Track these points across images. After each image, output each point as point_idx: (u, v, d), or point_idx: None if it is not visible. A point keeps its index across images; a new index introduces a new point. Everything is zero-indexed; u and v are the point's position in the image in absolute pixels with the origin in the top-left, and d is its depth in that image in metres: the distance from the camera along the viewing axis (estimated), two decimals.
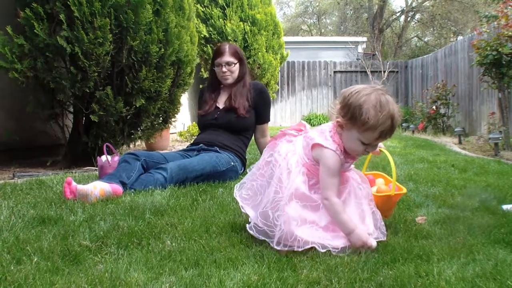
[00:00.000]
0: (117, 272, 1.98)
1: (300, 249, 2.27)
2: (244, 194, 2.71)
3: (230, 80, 4.78)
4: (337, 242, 2.33)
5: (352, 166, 2.65)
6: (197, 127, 5.14)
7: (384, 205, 2.67)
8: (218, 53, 4.81)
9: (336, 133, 2.44)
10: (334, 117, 2.43)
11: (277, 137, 2.71)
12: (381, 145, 2.68)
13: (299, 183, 2.43)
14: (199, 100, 5.10)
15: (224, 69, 4.74)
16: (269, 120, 5.01)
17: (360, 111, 2.27)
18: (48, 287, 1.84)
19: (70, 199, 3.38)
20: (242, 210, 2.67)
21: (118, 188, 3.63)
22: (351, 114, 2.32)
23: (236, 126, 4.71)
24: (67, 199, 3.38)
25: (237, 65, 4.81)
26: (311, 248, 2.28)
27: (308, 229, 2.35)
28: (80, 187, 3.41)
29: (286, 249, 2.29)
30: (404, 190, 2.73)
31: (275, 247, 2.31)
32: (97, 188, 3.46)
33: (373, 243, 2.29)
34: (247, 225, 2.51)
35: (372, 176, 2.97)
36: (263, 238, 2.43)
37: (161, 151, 5.00)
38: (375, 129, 2.29)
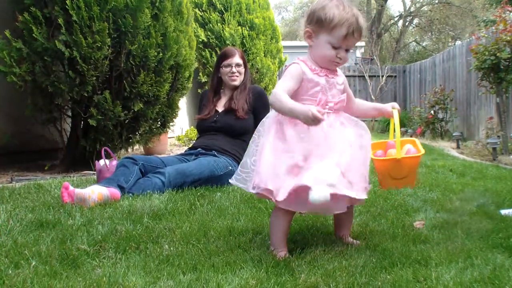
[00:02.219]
0: (115, 276, 1.98)
1: (259, 191, 2.32)
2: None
3: (237, 81, 4.79)
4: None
5: (357, 121, 2.54)
6: (195, 131, 5.14)
7: (395, 170, 2.52)
8: (229, 54, 4.83)
9: (305, 56, 2.48)
10: (301, 31, 2.47)
11: None
12: (395, 105, 2.64)
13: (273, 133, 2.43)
14: (200, 104, 5.10)
15: (234, 69, 4.77)
16: None
17: (324, 11, 2.33)
18: None
19: (68, 203, 3.37)
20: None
21: (116, 192, 3.63)
22: (316, 18, 2.36)
23: (235, 128, 4.71)
24: (64, 203, 3.37)
25: (244, 69, 4.85)
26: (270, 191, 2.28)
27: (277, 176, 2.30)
28: (78, 191, 3.41)
29: (259, 192, 2.33)
30: (422, 152, 2.55)
31: (251, 190, 2.39)
32: (95, 192, 3.46)
33: (317, 114, 2.19)
34: (230, 179, 2.58)
35: (393, 142, 2.74)
36: (241, 186, 2.49)
37: (159, 156, 5.00)
38: (342, 25, 2.31)
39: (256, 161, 2.42)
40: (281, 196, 2.25)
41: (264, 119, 2.60)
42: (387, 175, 2.57)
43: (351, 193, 2.28)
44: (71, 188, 3.43)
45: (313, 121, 2.21)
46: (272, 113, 2.53)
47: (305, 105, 2.30)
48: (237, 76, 4.79)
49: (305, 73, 2.41)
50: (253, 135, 2.58)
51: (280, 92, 2.34)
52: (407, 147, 2.64)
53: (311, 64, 2.44)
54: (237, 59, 4.80)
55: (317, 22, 2.36)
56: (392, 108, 2.64)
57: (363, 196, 2.37)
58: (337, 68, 2.53)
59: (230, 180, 2.57)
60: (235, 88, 4.83)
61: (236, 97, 4.77)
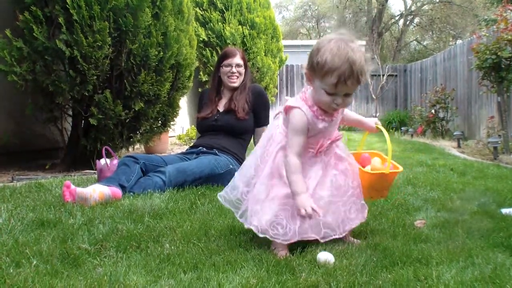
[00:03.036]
0: (116, 275, 1.98)
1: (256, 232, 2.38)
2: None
3: (237, 83, 4.78)
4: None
5: (344, 152, 2.63)
6: (196, 130, 5.16)
7: (379, 183, 2.67)
8: (230, 54, 4.81)
9: (305, 93, 2.44)
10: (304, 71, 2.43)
11: (274, 117, 2.73)
12: (377, 121, 2.70)
13: (273, 167, 2.46)
14: (200, 102, 5.09)
15: (234, 69, 4.75)
16: (268, 123, 4.99)
17: (316, 56, 2.25)
18: None
19: (69, 202, 3.38)
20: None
21: (118, 191, 3.63)
22: (310, 62, 2.31)
23: (235, 128, 4.71)
24: (66, 202, 3.38)
25: (244, 69, 4.84)
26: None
27: (266, 215, 2.38)
28: (80, 190, 3.41)
29: (247, 225, 2.41)
30: (400, 169, 2.71)
31: (238, 218, 2.49)
32: (96, 191, 3.46)
33: (311, 213, 2.26)
34: (218, 194, 2.65)
35: (368, 154, 2.94)
36: (228, 207, 2.60)
37: (160, 155, 5.00)
38: (332, 73, 2.21)
39: (249, 198, 2.49)
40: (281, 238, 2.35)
41: (264, 138, 2.63)
42: (370, 187, 2.65)
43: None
44: (72, 186, 3.44)
45: (305, 215, 2.26)
46: (274, 139, 2.54)
47: (304, 193, 2.32)
48: (237, 77, 4.78)
49: (309, 120, 2.40)
50: (251, 158, 2.62)
51: (293, 161, 2.37)
52: (377, 160, 2.82)
53: (316, 108, 2.40)
54: (237, 59, 4.79)
55: (311, 67, 2.32)
56: (376, 124, 2.70)
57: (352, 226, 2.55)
58: None
59: (218, 197, 2.64)
60: (234, 89, 4.82)
61: (236, 97, 4.76)
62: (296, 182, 2.32)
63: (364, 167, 2.80)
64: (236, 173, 2.67)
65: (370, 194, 2.73)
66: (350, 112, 2.80)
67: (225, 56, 4.82)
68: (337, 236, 2.44)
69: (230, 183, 2.62)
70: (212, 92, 4.91)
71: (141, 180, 3.97)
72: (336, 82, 2.23)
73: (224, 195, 2.60)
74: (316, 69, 2.27)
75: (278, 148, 2.48)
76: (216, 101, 4.85)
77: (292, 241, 2.34)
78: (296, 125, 2.39)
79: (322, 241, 2.38)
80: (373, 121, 2.78)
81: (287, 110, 2.45)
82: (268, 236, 2.34)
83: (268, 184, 2.42)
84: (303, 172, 2.41)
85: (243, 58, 4.85)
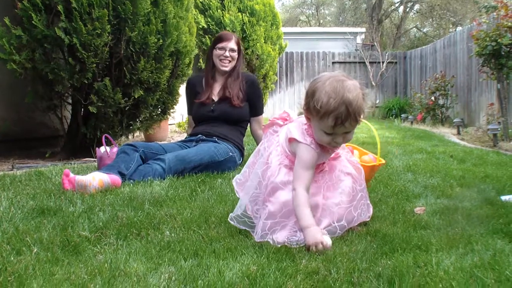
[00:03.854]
0: (116, 263, 1.98)
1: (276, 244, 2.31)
2: (238, 178, 2.76)
3: (228, 67, 4.78)
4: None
5: (346, 154, 2.65)
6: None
7: (367, 175, 2.84)
8: (224, 38, 4.82)
9: (310, 126, 2.42)
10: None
11: (266, 127, 2.72)
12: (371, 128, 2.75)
13: (277, 180, 2.45)
14: (191, 89, 5.08)
15: (227, 53, 4.76)
16: (262, 113, 5.02)
17: (312, 99, 2.23)
18: (48, 278, 1.84)
19: (69, 190, 3.38)
20: (237, 194, 2.73)
21: (117, 179, 3.64)
22: (307, 104, 2.30)
23: (232, 116, 4.72)
24: (65, 190, 3.38)
25: (237, 55, 4.83)
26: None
27: (280, 232, 2.36)
28: (79, 177, 3.42)
29: (265, 240, 2.35)
30: (383, 161, 3.14)
31: (254, 236, 2.40)
32: (96, 179, 3.47)
33: (327, 243, 2.21)
34: (229, 218, 2.57)
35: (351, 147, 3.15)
36: (243, 228, 2.51)
37: (159, 142, 5.00)
38: (328, 116, 2.20)
39: (261, 216, 2.45)
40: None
41: (262, 161, 2.60)
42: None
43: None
44: (71, 175, 3.44)
45: (314, 249, 2.21)
46: (274, 156, 2.55)
47: (312, 227, 2.29)
48: (229, 62, 4.78)
49: (319, 154, 2.42)
50: (254, 176, 2.59)
51: (301, 194, 2.35)
52: (356, 153, 3.31)
53: (316, 147, 2.41)
54: (232, 44, 4.80)
55: (308, 109, 2.30)
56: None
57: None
58: None
59: (229, 220, 2.57)
60: (226, 74, 4.81)
61: (230, 85, 4.77)
62: (304, 215, 2.31)
63: None
64: (241, 194, 2.65)
65: None
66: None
67: (220, 39, 4.82)
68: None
69: (238, 204, 2.59)
70: (208, 75, 4.90)
71: (141, 168, 3.98)
72: (333, 124, 2.22)
73: (236, 217, 2.56)
74: (313, 111, 2.26)
75: (278, 166, 2.49)
76: (212, 83, 4.84)
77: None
78: (306, 161, 2.38)
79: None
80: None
81: (293, 141, 2.45)
82: (287, 244, 2.31)
83: (276, 201, 2.41)
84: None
85: (237, 43, 4.86)
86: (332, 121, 2.21)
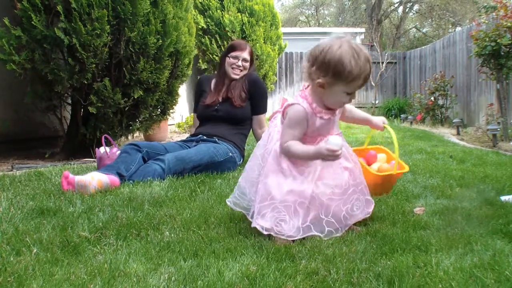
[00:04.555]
0: (116, 263, 1.98)
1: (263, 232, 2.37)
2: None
3: (239, 75, 4.85)
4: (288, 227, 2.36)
5: (347, 148, 2.64)
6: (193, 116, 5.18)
7: (385, 182, 2.83)
8: (238, 47, 4.88)
9: (304, 91, 2.48)
10: (311, 79, 2.42)
11: (270, 118, 2.74)
12: (385, 120, 2.73)
13: (273, 164, 2.47)
14: (198, 88, 5.11)
15: (239, 63, 4.80)
16: (265, 111, 5.01)
17: (343, 66, 2.29)
18: (48, 278, 1.84)
19: (68, 190, 3.38)
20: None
21: (115, 179, 3.64)
22: (333, 71, 2.32)
23: (234, 116, 4.74)
24: (65, 191, 3.38)
25: (249, 65, 4.92)
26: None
27: (272, 212, 2.39)
28: (78, 178, 3.42)
29: (253, 225, 2.40)
30: (406, 169, 2.86)
31: (250, 219, 2.47)
32: (95, 178, 3.47)
33: (331, 153, 2.32)
34: (227, 200, 2.66)
35: (374, 151, 3.01)
36: (239, 210, 2.61)
37: (160, 142, 5.01)
38: (360, 77, 2.33)
39: (256, 198, 2.49)
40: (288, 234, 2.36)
41: (264, 137, 2.66)
42: (376, 186, 2.82)
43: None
44: (70, 176, 3.44)
45: (332, 156, 2.30)
46: (273, 137, 2.57)
47: (315, 146, 2.38)
48: (240, 71, 4.83)
49: (309, 116, 2.43)
50: (253, 159, 2.64)
51: (288, 144, 2.41)
52: (382, 157, 3.08)
53: (316, 105, 2.44)
54: (245, 54, 4.86)
55: (335, 75, 2.33)
56: (384, 124, 2.73)
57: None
58: None
59: (227, 202, 2.65)
60: (233, 80, 4.85)
61: (232, 86, 4.80)
62: (302, 150, 2.39)
63: (370, 164, 2.85)
64: (240, 178, 2.69)
65: (375, 191, 2.84)
66: (357, 111, 2.84)
67: (233, 48, 4.88)
68: (339, 234, 2.45)
69: (236, 187, 2.64)
70: (219, 80, 4.93)
71: (140, 168, 3.98)
72: (362, 83, 2.36)
73: (234, 200, 2.62)
74: (343, 76, 2.31)
75: (277, 146, 2.49)
76: (221, 88, 4.88)
77: (296, 238, 2.34)
78: (293, 118, 2.43)
79: (324, 238, 2.38)
80: (381, 121, 2.83)
81: (286, 108, 2.48)
82: (272, 233, 2.35)
83: (270, 182, 2.42)
84: (304, 166, 2.44)
85: (250, 54, 4.93)
86: (363, 80, 2.36)
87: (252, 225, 2.42)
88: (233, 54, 4.82)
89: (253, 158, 2.63)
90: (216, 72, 5.12)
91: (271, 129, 2.60)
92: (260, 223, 2.37)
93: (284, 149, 2.41)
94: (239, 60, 4.80)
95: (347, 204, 2.50)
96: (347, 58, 2.28)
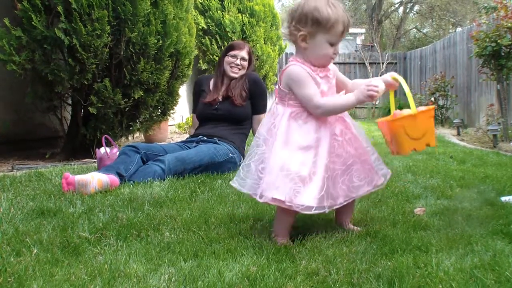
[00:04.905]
0: (116, 264, 1.98)
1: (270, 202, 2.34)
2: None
3: (238, 74, 4.85)
4: (303, 200, 2.28)
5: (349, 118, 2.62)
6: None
7: (411, 129, 2.40)
8: (237, 47, 4.90)
9: (291, 59, 2.50)
10: (293, 35, 2.45)
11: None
12: (392, 73, 2.55)
13: (282, 136, 2.42)
14: (196, 89, 5.11)
15: (238, 61, 4.81)
16: (265, 111, 5.01)
17: (319, 13, 2.34)
18: (48, 279, 1.84)
19: (69, 190, 3.38)
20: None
21: (115, 179, 3.64)
22: (311, 20, 2.36)
23: (235, 115, 4.75)
24: (65, 192, 3.38)
25: (248, 64, 4.92)
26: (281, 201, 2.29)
27: (286, 183, 2.31)
28: (79, 177, 3.42)
29: (267, 201, 2.33)
30: (431, 107, 2.48)
31: (259, 199, 2.35)
32: (95, 178, 3.48)
33: (373, 91, 2.36)
34: (231, 182, 2.55)
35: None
36: (246, 191, 2.47)
37: (160, 143, 5.01)
38: (338, 23, 2.36)
39: (265, 169, 2.39)
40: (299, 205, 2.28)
41: (266, 121, 2.59)
42: (404, 137, 2.40)
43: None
44: (70, 177, 3.44)
45: (373, 91, 2.34)
46: (276, 112, 2.51)
47: (353, 93, 2.40)
48: (239, 70, 4.84)
49: (309, 73, 2.43)
50: (256, 138, 2.56)
51: (322, 103, 2.39)
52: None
53: (309, 65, 2.44)
54: (244, 53, 4.87)
55: (314, 24, 2.37)
56: (392, 77, 2.56)
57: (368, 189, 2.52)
58: None
59: (231, 183, 2.53)
60: (232, 79, 4.85)
61: (233, 85, 4.81)
62: (341, 101, 2.41)
63: None
64: (245, 157, 2.58)
65: (409, 146, 2.42)
66: (360, 81, 2.71)
67: (232, 47, 4.91)
68: (338, 206, 2.42)
69: (240, 169, 2.54)
70: (217, 79, 4.93)
71: (141, 169, 3.98)
72: (342, 30, 2.39)
73: (239, 180, 2.51)
74: (322, 23, 2.35)
75: (283, 117, 2.44)
76: (220, 87, 4.88)
77: (312, 210, 2.27)
78: (298, 77, 2.43)
79: (327, 211, 2.35)
80: (389, 76, 2.54)
81: (282, 75, 2.49)
82: (293, 206, 2.27)
83: (282, 154, 2.36)
84: (311, 136, 2.40)
85: (249, 53, 4.94)
86: (341, 26, 2.38)
87: (263, 200, 2.33)
88: (232, 53, 4.84)
89: (257, 136, 2.55)
90: (214, 72, 5.13)
91: (272, 106, 2.58)
92: (275, 195, 2.28)
93: (321, 108, 2.38)
94: (237, 58, 4.81)
95: (344, 176, 2.45)
96: (323, 6, 2.34)
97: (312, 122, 2.41)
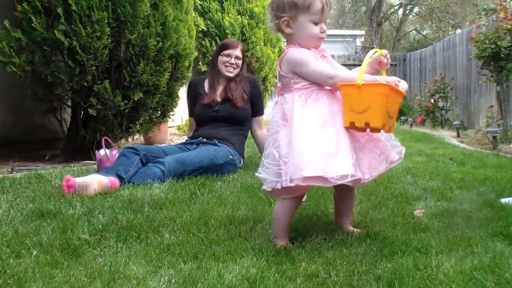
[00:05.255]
0: (116, 265, 1.98)
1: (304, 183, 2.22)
2: None
3: (233, 73, 4.83)
4: (337, 169, 2.20)
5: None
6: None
7: (354, 100, 2.26)
8: (231, 45, 4.90)
9: (289, 45, 2.51)
10: (277, 24, 2.48)
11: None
12: (384, 51, 2.52)
13: (299, 117, 2.36)
14: (192, 91, 5.08)
15: (232, 60, 4.82)
16: (263, 113, 5.06)
17: (291, 1, 2.40)
18: (48, 281, 1.84)
19: (70, 192, 3.38)
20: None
21: (115, 181, 3.64)
22: (289, 4, 2.41)
23: (235, 117, 4.75)
24: (65, 194, 3.38)
25: (241, 62, 4.92)
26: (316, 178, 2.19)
27: (315, 161, 2.22)
28: (80, 179, 3.42)
29: (298, 183, 2.20)
30: (382, 82, 2.26)
31: (289, 184, 2.21)
32: (95, 180, 3.48)
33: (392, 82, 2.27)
34: (256, 173, 2.42)
35: None
36: (274, 179, 2.31)
37: (160, 145, 5.01)
38: (315, 1, 2.39)
39: (289, 153, 2.28)
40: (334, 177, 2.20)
41: (276, 110, 2.50)
42: (346, 106, 2.32)
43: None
44: (71, 179, 3.44)
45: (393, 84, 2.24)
46: (287, 101, 2.47)
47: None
48: (233, 69, 4.83)
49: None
50: (271, 127, 2.46)
51: (334, 72, 2.39)
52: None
53: (305, 48, 2.45)
54: (237, 52, 4.87)
55: (292, 7, 2.41)
56: (380, 53, 2.45)
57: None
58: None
59: (256, 174, 2.40)
60: (229, 79, 4.84)
61: (232, 88, 4.81)
62: (353, 75, 2.32)
63: None
64: (265, 150, 2.46)
65: (349, 118, 2.31)
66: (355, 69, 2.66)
67: (225, 46, 4.88)
68: (366, 181, 2.33)
69: (260, 162, 2.43)
70: (212, 79, 4.92)
71: (140, 171, 3.98)
72: (322, 6, 2.40)
73: (263, 169, 2.38)
74: (299, 5, 2.39)
75: (294, 102, 2.39)
76: (217, 87, 4.88)
77: (349, 177, 2.19)
78: (302, 56, 2.43)
79: (362, 182, 2.29)
80: (371, 52, 2.46)
81: (282, 61, 2.48)
82: (328, 178, 2.18)
83: (301, 136, 2.28)
84: (325, 111, 2.37)
85: (242, 52, 4.94)
86: (319, 3, 2.40)
87: (294, 183, 2.20)
88: (226, 52, 4.83)
89: (270, 127, 2.50)
90: (208, 73, 5.12)
91: (278, 99, 2.54)
92: (306, 173, 2.18)
93: (334, 78, 2.34)
94: (231, 58, 4.81)
95: (364, 150, 2.39)
96: None
97: (323, 99, 2.38)
